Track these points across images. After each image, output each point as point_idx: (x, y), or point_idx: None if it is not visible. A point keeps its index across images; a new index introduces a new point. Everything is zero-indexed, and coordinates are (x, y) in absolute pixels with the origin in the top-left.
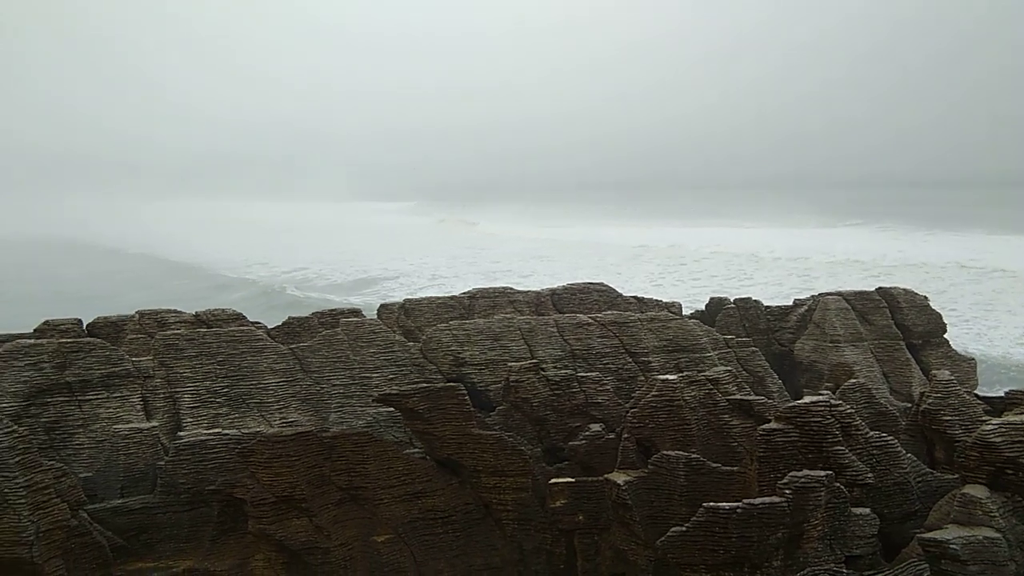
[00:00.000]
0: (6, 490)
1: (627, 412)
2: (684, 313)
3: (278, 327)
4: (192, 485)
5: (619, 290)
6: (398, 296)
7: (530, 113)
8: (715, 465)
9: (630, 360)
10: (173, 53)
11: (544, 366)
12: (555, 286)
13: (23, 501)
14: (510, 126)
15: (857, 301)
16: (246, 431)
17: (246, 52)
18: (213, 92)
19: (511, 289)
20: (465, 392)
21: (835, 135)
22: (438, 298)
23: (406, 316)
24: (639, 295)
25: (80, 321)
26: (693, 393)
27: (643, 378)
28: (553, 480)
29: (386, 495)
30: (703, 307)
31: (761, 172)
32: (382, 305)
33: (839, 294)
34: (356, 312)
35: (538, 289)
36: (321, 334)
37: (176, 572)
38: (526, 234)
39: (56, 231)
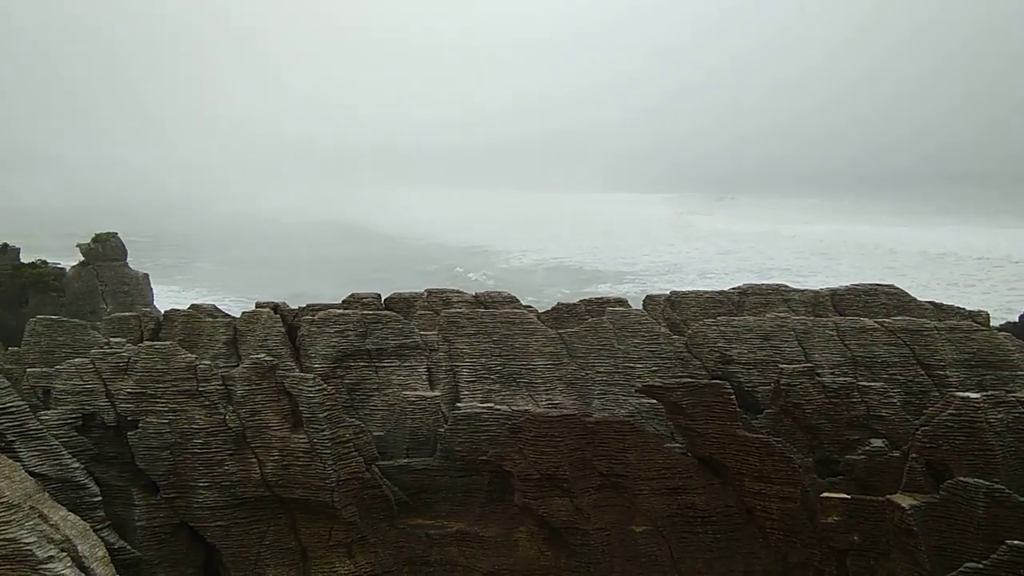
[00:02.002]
0: (315, 441)
1: (917, 430)
2: (992, 324)
3: (547, 312)
4: (466, 453)
5: (913, 295)
6: (663, 288)
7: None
8: (1022, 499)
9: (922, 372)
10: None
11: (820, 371)
12: (836, 286)
13: (328, 452)
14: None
15: None
16: (516, 408)
17: (510, 54)
18: (479, 91)
19: (785, 287)
20: (731, 391)
21: None
22: (706, 292)
23: (672, 309)
24: (937, 301)
25: (379, 295)
26: (1000, 415)
27: (937, 394)
28: (825, 494)
29: (645, 486)
30: (1016, 319)
31: None
32: (648, 296)
33: None
34: (622, 302)
35: (817, 289)
36: (588, 321)
37: (450, 531)
38: (801, 231)
39: (339, 216)
